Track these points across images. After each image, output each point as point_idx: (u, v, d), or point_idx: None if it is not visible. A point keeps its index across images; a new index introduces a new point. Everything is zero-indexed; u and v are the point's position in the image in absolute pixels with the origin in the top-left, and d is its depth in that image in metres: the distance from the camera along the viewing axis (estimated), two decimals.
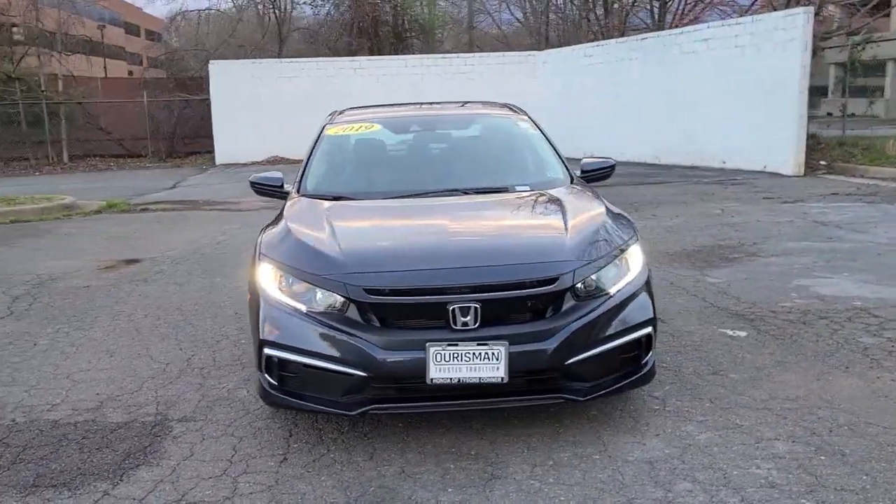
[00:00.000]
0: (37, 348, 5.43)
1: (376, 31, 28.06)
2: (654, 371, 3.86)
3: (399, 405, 3.52)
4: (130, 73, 55.20)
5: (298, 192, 4.69)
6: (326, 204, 4.39)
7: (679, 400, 4.08)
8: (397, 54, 27.24)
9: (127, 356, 5.15)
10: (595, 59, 21.53)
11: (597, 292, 3.62)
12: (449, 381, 3.38)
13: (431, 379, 3.37)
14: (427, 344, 3.36)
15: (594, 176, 4.94)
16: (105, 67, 48.48)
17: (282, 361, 3.55)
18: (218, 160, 24.55)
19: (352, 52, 27.39)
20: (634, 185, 14.46)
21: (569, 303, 3.54)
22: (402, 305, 3.46)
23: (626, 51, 20.35)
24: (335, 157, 5.05)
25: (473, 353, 3.37)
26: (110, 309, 6.43)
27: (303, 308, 3.55)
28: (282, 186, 4.84)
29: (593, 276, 3.63)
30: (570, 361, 3.47)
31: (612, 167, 5.04)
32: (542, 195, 4.42)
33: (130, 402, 4.30)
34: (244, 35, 31.24)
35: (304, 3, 30.99)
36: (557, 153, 5.01)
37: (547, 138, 5.11)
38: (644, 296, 3.74)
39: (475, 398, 3.49)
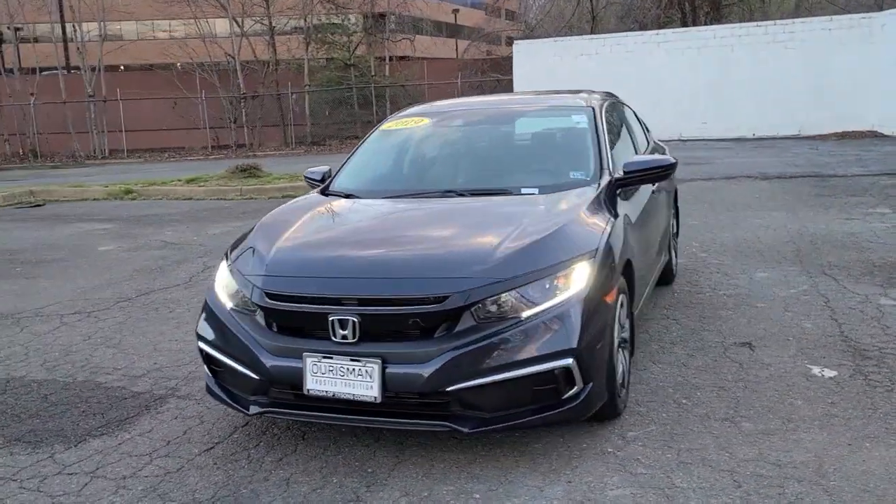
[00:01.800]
0: (169, 315, 6.20)
1: (691, 2, 26.55)
2: (588, 407, 3.38)
3: (289, 412, 3.50)
4: (488, 52, 58.38)
5: (326, 189, 4.77)
6: (321, 202, 4.44)
7: (645, 445, 3.51)
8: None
9: None
10: None
11: (506, 314, 3.25)
12: (325, 393, 3.29)
13: (308, 389, 3.31)
14: (304, 354, 3.31)
15: (636, 178, 4.34)
16: (456, 49, 51.74)
17: (208, 355, 3.72)
18: None
19: (661, 27, 26.29)
20: None
21: (466, 324, 3.23)
22: (289, 313, 3.43)
23: None
24: (372, 153, 5.03)
25: (347, 369, 3.25)
26: None
27: (228, 306, 3.67)
28: (322, 181, 4.95)
29: (505, 297, 3.27)
30: (454, 388, 3.17)
31: (664, 167, 4.38)
32: (529, 200, 4.01)
33: (164, 375, 4.77)
34: (560, 12, 31.50)
35: None
36: (599, 152, 4.45)
37: (597, 134, 4.55)
38: (569, 323, 3.26)
39: (361, 415, 3.34)
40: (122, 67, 36.24)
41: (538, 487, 3.20)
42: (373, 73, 28.59)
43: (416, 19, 43.91)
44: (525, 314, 3.26)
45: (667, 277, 6.16)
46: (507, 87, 27.08)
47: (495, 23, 44.98)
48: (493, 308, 3.26)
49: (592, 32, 28.71)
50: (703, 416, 3.79)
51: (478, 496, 3.16)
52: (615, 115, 5.22)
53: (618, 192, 4.32)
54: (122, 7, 31.72)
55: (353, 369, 3.23)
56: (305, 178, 5.10)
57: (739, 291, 5.99)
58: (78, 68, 30.56)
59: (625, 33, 25.19)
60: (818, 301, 5.62)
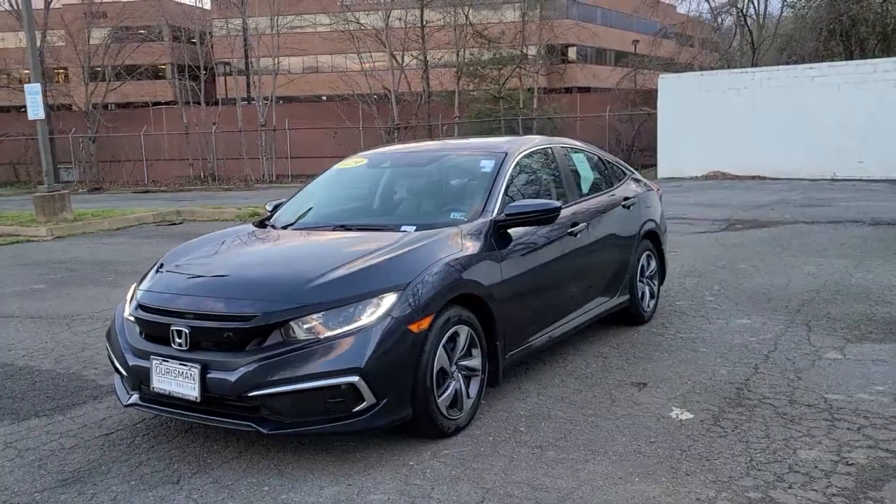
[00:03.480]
0: None
1: (857, 34, 25.14)
2: (378, 421, 3.81)
3: (148, 405, 4.15)
4: None
5: (266, 219, 5.44)
6: (237, 232, 5.14)
7: (444, 462, 3.88)
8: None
9: None
10: None
11: (309, 334, 3.77)
12: (164, 391, 3.94)
13: (153, 387, 3.98)
14: (151, 356, 3.98)
15: (515, 221, 4.67)
16: (635, 79, 51.24)
17: (109, 356, 4.48)
18: (660, 174, 24.93)
19: (820, 60, 25.09)
20: None
21: (274, 340, 3.78)
22: (148, 322, 4.12)
23: None
24: (313, 187, 5.67)
25: (178, 371, 3.88)
26: None
27: (125, 315, 4.42)
28: (272, 211, 5.62)
29: (309, 319, 3.78)
30: (255, 394, 3.72)
31: (544, 212, 4.67)
32: (396, 237, 4.41)
33: None
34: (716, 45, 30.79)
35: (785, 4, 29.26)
36: (488, 196, 4.80)
37: (495, 179, 4.90)
38: (360, 345, 3.72)
39: (194, 412, 3.95)
40: (324, 98, 39.08)
41: (320, 486, 3.67)
42: (521, 106, 29.26)
43: (581, 48, 44.11)
44: (324, 335, 3.76)
45: (631, 319, 6.30)
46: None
47: (677, 51, 44.18)
48: (298, 328, 3.79)
49: (753, 65, 27.92)
50: (523, 443, 4.09)
51: (266, 489, 3.69)
52: (542, 160, 5.54)
53: (501, 232, 4.67)
54: (295, 44, 34.59)
55: (182, 372, 3.87)
56: (266, 208, 5.82)
57: (700, 336, 6.05)
58: (254, 100, 33.57)
59: (775, 67, 24.35)
60: (763, 350, 5.60)
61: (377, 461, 3.93)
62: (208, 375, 3.81)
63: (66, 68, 39.71)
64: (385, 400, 3.79)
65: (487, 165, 5.08)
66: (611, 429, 4.24)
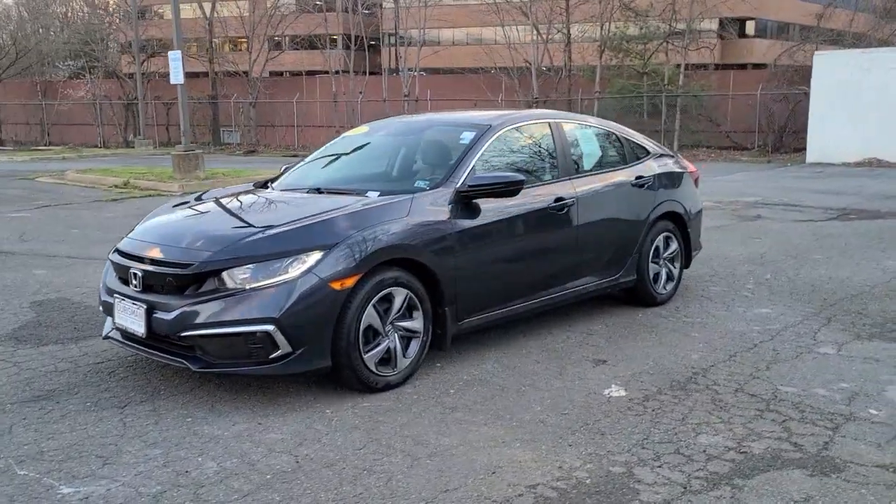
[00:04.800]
0: None
1: None
2: (294, 368, 4.13)
3: (117, 340, 4.64)
4: None
5: (270, 181, 5.81)
6: (232, 191, 5.53)
7: (356, 413, 4.14)
8: None
9: None
10: None
11: (238, 284, 4.11)
12: (122, 327, 4.42)
13: (115, 322, 4.46)
14: (114, 294, 4.47)
15: (478, 192, 4.76)
16: (812, 53, 48.07)
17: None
18: (809, 158, 23.55)
19: None
20: None
21: (209, 287, 4.15)
22: (117, 265, 4.60)
23: None
24: (316, 154, 5.97)
25: (131, 310, 4.34)
26: None
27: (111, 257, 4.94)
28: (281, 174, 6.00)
29: (238, 271, 4.12)
30: (186, 334, 4.11)
31: (506, 184, 4.75)
32: (354, 200, 4.64)
33: None
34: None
35: None
36: (457, 167, 4.90)
37: (469, 151, 5.00)
38: (278, 298, 4.02)
39: (144, 346, 4.40)
40: (489, 71, 39.83)
41: (234, 422, 4.03)
42: (667, 83, 28.23)
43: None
44: (251, 285, 4.10)
45: (640, 299, 6.22)
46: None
47: (848, 23, 41.11)
48: (229, 277, 4.14)
49: None
50: (441, 403, 4.27)
51: (189, 420, 4.08)
52: (535, 135, 5.57)
53: (466, 202, 4.80)
54: (442, 16, 35.11)
55: (134, 310, 4.32)
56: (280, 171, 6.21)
57: (703, 321, 5.91)
58: (399, 71, 34.46)
59: None
60: (757, 339, 5.42)
61: (300, 406, 4.24)
62: (153, 315, 4.24)
63: (245, 38, 42.07)
64: (301, 350, 4.08)
65: (467, 137, 5.19)
66: (534, 399, 4.33)
